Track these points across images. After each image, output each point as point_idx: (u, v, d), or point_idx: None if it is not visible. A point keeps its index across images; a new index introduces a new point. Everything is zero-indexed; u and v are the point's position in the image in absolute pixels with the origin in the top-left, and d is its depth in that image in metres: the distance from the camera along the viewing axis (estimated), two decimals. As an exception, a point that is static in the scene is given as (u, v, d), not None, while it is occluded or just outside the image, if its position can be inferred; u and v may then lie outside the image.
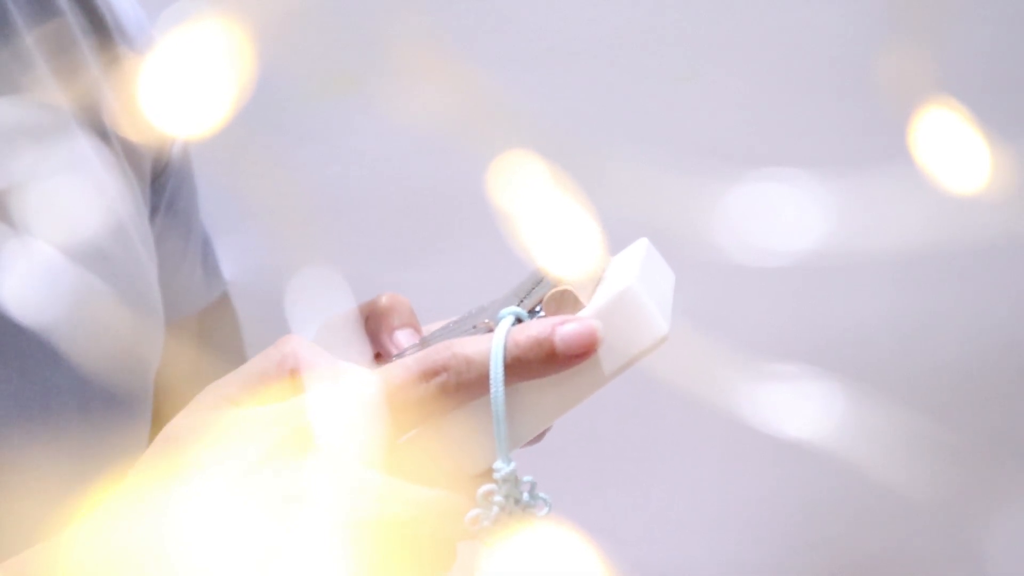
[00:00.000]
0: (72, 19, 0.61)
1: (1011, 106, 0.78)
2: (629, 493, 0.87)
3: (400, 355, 0.49)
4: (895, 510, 0.86)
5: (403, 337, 0.50)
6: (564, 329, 0.43)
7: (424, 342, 0.50)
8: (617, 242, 0.51)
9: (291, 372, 0.44)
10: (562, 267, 0.45)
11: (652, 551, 0.88)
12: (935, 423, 0.81)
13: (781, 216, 0.71)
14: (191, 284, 0.76)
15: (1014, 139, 0.62)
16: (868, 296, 0.83)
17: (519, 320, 0.45)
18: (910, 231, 0.72)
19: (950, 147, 0.63)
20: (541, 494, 0.44)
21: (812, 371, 0.77)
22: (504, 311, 0.45)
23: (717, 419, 0.75)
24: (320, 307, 0.50)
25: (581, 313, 0.44)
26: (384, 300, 0.51)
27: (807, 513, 0.87)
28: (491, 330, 0.44)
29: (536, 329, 0.43)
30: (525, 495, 0.43)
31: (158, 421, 0.61)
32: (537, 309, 0.47)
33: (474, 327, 0.47)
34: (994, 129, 0.61)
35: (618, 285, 0.44)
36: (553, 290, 0.45)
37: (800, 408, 0.75)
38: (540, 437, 0.48)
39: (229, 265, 0.81)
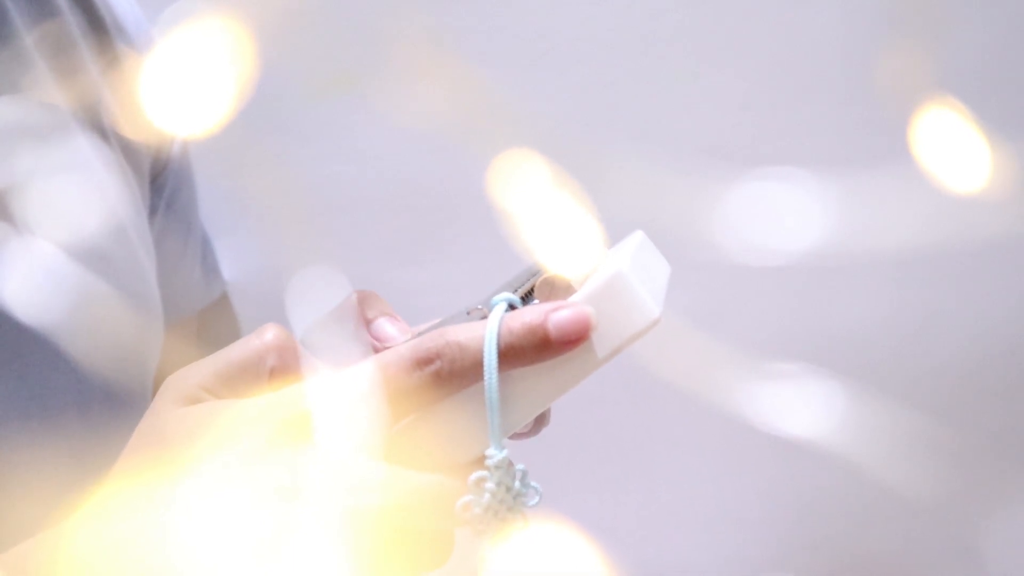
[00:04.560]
0: (71, 19, 0.61)
1: (1011, 106, 0.78)
2: (629, 492, 0.87)
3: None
4: (895, 510, 0.86)
5: (383, 325, 0.49)
6: (557, 315, 0.43)
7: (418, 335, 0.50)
8: (616, 242, 0.51)
9: (270, 368, 0.44)
10: (560, 262, 0.45)
11: (652, 550, 0.88)
12: (935, 423, 0.81)
13: (781, 216, 0.71)
14: (190, 284, 0.76)
15: (1014, 139, 0.62)
16: (868, 296, 0.83)
17: (512, 307, 0.45)
18: (910, 231, 0.72)
19: (950, 147, 0.63)
20: (532, 483, 0.44)
21: (812, 371, 0.77)
22: (497, 298, 0.45)
23: (717, 418, 0.75)
24: (320, 307, 0.50)
25: (572, 298, 0.44)
26: (354, 296, 0.50)
27: (807, 512, 0.87)
28: (485, 317, 0.44)
29: (529, 316, 0.43)
30: (517, 483, 0.43)
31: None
32: (531, 297, 0.47)
33: (468, 314, 0.47)
34: (994, 129, 0.61)
35: (609, 270, 0.44)
36: (545, 275, 0.45)
37: (800, 408, 0.75)
38: (537, 430, 0.48)
39: (229, 265, 0.81)
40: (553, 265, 0.45)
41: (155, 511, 0.41)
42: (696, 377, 0.74)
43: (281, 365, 0.45)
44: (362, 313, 0.49)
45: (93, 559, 0.41)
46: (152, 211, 0.69)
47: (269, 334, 0.45)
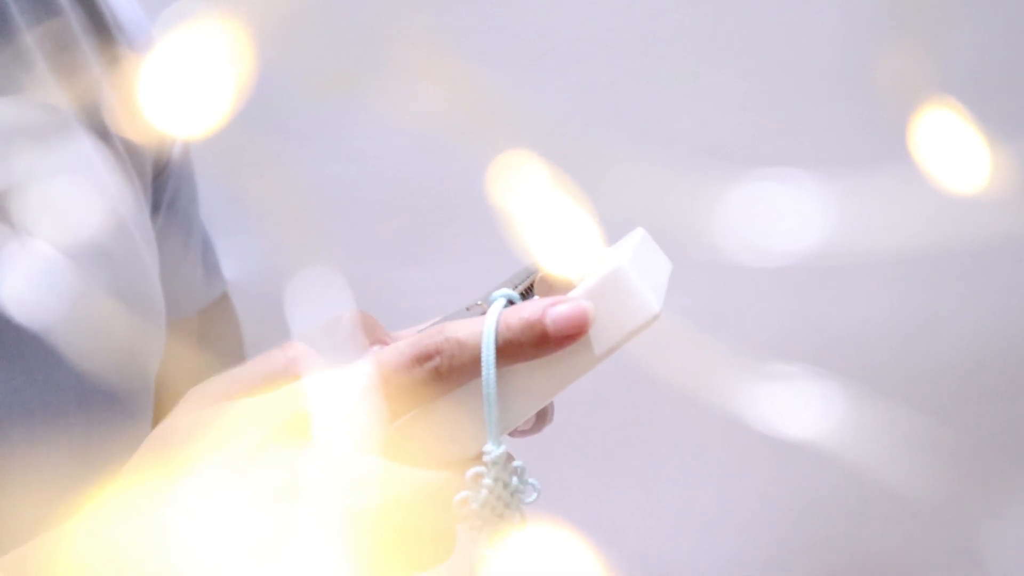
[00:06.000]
0: (72, 18, 0.61)
1: (1011, 106, 0.78)
2: (629, 493, 0.87)
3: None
4: (895, 510, 0.86)
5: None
6: (555, 311, 0.43)
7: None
8: (616, 241, 0.51)
9: (296, 378, 0.44)
10: (559, 261, 0.45)
11: (652, 550, 0.88)
12: (935, 423, 0.81)
13: (781, 216, 0.71)
14: (191, 284, 0.76)
15: (1014, 139, 0.62)
16: (868, 296, 0.83)
17: (511, 302, 0.45)
18: (910, 231, 0.72)
19: (950, 147, 0.63)
20: (530, 479, 0.44)
21: (812, 371, 0.77)
22: (496, 293, 0.45)
23: (717, 419, 0.75)
24: (320, 307, 0.50)
25: (571, 294, 0.44)
26: (356, 312, 0.50)
27: (807, 513, 0.87)
28: (484, 313, 0.44)
29: (527, 311, 0.43)
30: (514, 479, 0.43)
31: (159, 420, 0.61)
32: (531, 294, 0.47)
33: (467, 310, 0.47)
34: (994, 129, 0.61)
35: (608, 266, 0.44)
36: (544, 272, 0.45)
37: (800, 408, 0.75)
38: (540, 427, 0.48)
39: (229, 265, 0.81)
40: (553, 264, 0.46)
41: (155, 511, 0.41)
42: (696, 378, 0.74)
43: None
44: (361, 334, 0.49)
45: (93, 560, 0.41)
46: (154, 211, 0.69)
47: (293, 350, 0.45)
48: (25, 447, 0.53)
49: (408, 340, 0.43)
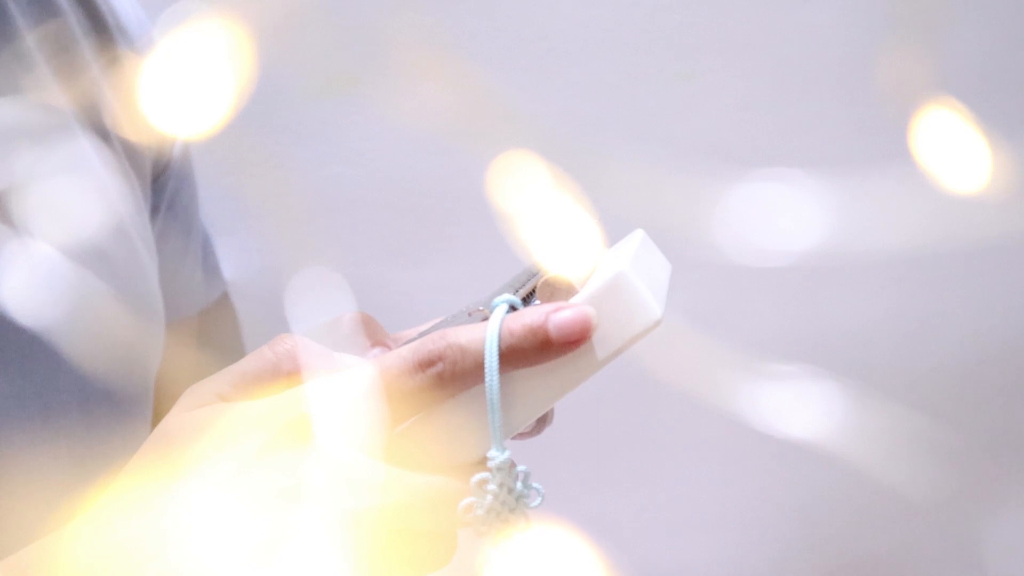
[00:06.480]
0: (73, 19, 0.61)
1: (1011, 106, 0.78)
2: (629, 493, 0.87)
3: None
4: (895, 510, 0.86)
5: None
6: (558, 316, 0.43)
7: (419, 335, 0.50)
8: (616, 242, 0.51)
9: (287, 375, 0.44)
10: (560, 263, 0.45)
11: (652, 551, 0.88)
12: (935, 423, 0.81)
13: (781, 216, 0.71)
14: (191, 284, 0.76)
15: (1014, 139, 0.62)
16: (868, 296, 0.83)
17: (513, 308, 0.45)
18: (910, 231, 0.72)
19: (950, 147, 0.63)
20: (535, 484, 0.44)
21: (812, 371, 0.77)
22: (498, 299, 0.45)
23: (717, 419, 0.75)
24: (320, 307, 0.50)
25: (574, 299, 0.44)
26: (357, 313, 0.50)
27: (807, 513, 0.87)
28: (486, 318, 0.44)
29: (530, 317, 0.43)
30: (519, 484, 0.43)
31: (158, 421, 0.61)
32: (532, 298, 0.47)
33: (469, 315, 0.47)
34: (994, 129, 0.61)
35: (611, 271, 0.44)
36: (546, 276, 0.45)
37: (800, 408, 0.75)
38: (540, 429, 0.48)
39: (229, 265, 0.81)
40: (554, 266, 0.46)
41: (156, 513, 0.41)
42: (696, 378, 0.74)
43: (297, 371, 0.45)
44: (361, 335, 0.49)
45: (94, 562, 0.41)
46: (153, 211, 0.69)
47: (283, 345, 0.45)
48: (25, 448, 0.53)
49: (410, 345, 0.43)
